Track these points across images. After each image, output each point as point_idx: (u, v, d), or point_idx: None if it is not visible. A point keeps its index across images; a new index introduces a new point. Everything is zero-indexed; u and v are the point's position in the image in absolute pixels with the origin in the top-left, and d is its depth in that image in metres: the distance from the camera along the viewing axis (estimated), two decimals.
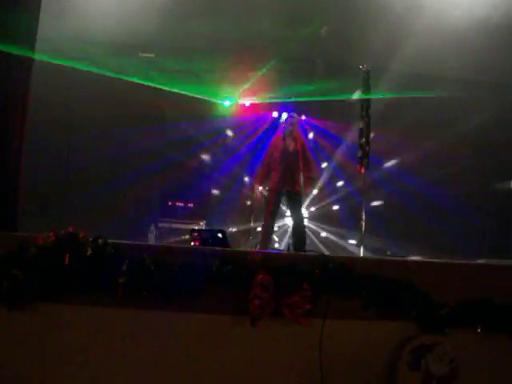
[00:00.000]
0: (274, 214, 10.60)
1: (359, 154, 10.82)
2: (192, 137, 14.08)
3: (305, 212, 13.16)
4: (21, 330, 5.46)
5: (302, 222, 10.82)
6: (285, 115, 11.00)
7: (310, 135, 14.86)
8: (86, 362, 5.50)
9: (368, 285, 5.78)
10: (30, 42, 7.59)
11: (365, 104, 11.00)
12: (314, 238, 14.06)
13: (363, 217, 10.49)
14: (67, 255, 5.40)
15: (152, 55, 13.47)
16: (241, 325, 5.61)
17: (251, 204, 14.09)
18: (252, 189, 12.99)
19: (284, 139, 10.53)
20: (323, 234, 14.36)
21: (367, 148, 10.71)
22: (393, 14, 11.68)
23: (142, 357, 5.56)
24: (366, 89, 11.13)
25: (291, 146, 10.49)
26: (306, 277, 5.68)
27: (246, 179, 14.50)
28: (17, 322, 5.44)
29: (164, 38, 12.89)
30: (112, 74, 12.51)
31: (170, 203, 13.87)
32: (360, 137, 10.87)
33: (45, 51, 8.71)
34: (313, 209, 14.40)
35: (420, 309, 5.81)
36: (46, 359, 5.47)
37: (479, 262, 7.91)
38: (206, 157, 14.59)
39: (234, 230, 13.42)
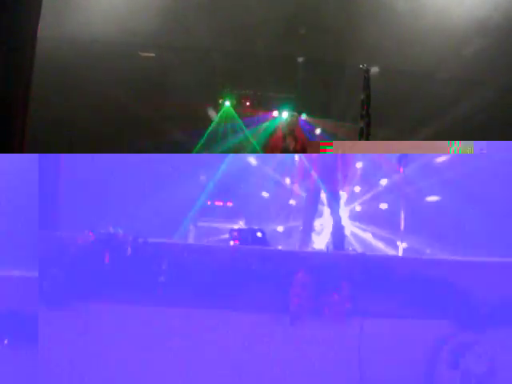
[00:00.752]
0: (313, 213, 10.58)
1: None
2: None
3: (346, 211, 13.13)
4: (62, 329, 5.53)
5: (341, 220, 10.79)
6: (285, 114, 10.96)
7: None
8: (125, 359, 5.56)
9: (407, 284, 5.77)
10: (31, 41, 7.65)
11: (365, 103, 10.99)
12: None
13: (402, 215, 10.44)
14: (107, 254, 5.46)
15: (152, 54, 13.50)
16: (280, 323, 5.63)
17: (291, 202, 14.08)
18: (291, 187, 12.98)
19: (284, 138, 10.51)
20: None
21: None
22: (394, 13, 11.66)
23: (183, 354, 5.60)
24: (366, 88, 11.10)
25: (291, 145, 10.47)
26: (345, 276, 5.69)
27: (285, 178, 14.47)
28: (56, 321, 5.51)
29: (165, 37, 12.89)
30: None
31: (209, 202, 13.89)
32: (360, 136, 10.88)
33: (45, 50, 8.77)
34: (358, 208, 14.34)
35: (459, 307, 5.79)
36: (84, 357, 5.54)
37: None
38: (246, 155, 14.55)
39: (274, 228, 13.41)
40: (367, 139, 10.75)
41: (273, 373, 5.70)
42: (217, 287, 5.56)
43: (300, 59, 13.34)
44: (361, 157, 13.82)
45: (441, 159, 12.70)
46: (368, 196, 14.46)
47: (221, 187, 13.84)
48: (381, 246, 13.64)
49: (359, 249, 13.15)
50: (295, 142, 10.56)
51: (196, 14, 12.14)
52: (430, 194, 13.51)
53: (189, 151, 13.80)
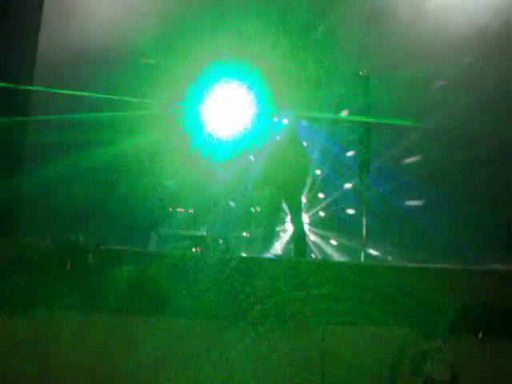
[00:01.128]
0: (275, 219, 10.61)
1: (360, 159, 10.84)
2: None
3: (306, 217, 13.12)
4: (22, 336, 5.47)
5: (302, 227, 10.82)
6: (285, 120, 10.97)
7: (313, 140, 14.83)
8: (88, 367, 5.51)
9: (369, 291, 5.79)
10: (31, 50, 7.62)
11: (365, 110, 11.01)
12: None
13: (364, 222, 10.51)
14: (69, 261, 5.42)
15: (153, 61, 13.45)
16: (242, 330, 5.62)
17: (252, 209, 14.07)
18: (253, 193, 12.97)
19: (284, 144, 10.54)
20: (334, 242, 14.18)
21: (367, 154, 10.72)
22: (394, 19, 11.74)
23: (144, 362, 5.57)
24: (366, 94, 11.13)
25: (292, 150, 10.50)
26: (307, 283, 5.70)
27: (248, 184, 14.45)
28: (18, 327, 5.45)
29: (166, 44, 12.88)
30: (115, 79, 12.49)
31: (171, 209, 13.84)
32: (360, 143, 10.88)
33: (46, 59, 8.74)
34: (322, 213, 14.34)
35: (421, 315, 5.82)
36: (47, 365, 5.48)
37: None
38: (207, 161, 14.49)
39: (235, 235, 13.38)
40: (368, 146, 10.77)
41: (235, 379, 5.69)
42: (178, 294, 5.54)
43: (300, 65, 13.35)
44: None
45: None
46: (330, 201, 14.51)
47: (183, 193, 13.81)
48: (342, 253, 13.68)
49: (320, 255, 13.20)
50: (295, 148, 10.59)
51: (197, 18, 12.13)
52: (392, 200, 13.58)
53: None
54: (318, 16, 12.38)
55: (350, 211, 13.60)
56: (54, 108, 11.95)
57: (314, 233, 14.00)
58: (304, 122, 14.15)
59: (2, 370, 5.43)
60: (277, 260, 7.06)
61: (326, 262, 6.17)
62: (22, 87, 7.63)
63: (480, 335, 5.90)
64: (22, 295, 5.35)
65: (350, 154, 13.78)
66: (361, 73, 11.24)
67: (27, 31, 7.70)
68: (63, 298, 5.44)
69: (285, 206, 11.01)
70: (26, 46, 7.55)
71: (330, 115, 13.85)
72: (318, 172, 13.02)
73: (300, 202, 10.72)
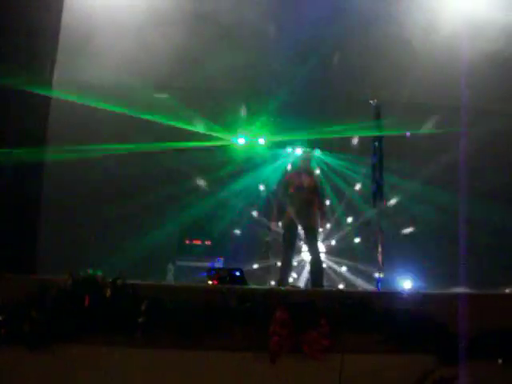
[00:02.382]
0: (291, 250, 10.62)
1: (373, 188, 10.82)
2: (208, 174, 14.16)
3: (322, 247, 13.12)
4: (41, 372, 5.50)
5: (319, 257, 10.83)
6: (299, 151, 11.05)
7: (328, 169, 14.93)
8: None
9: (386, 319, 5.78)
10: (47, 83, 7.70)
11: (377, 139, 11.01)
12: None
13: (380, 250, 10.49)
14: (87, 297, 5.46)
15: (165, 95, 13.56)
16: (260, 361, 5.62)
17: (268, 241, 14.09)
18: (269, 225, 13.01)
19: (299, 175, 10.60)
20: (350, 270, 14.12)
21: (381, 183, 10.71)
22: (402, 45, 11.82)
23: None
24: (377, 124, 11.15)
25: (306, 181, 10.56)
26: (324, 313, 5.70)
27: (263, 216, 14.48)
28: (37, 363, 5.48)
29: (178, 79, 13.00)
30: (125, 111, 12.59)
31: (187, 241, 13.89)
32: (373, 171, 10.87)
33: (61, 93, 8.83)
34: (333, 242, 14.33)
35: (439, 341, 5.80)
36: None
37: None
38: (221, 193, 14.52)
39: (253, 267, 13.40)
40: (380, 171, 10.76)
41: None
42: (196, 327, 5.56)
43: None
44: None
45: None
46: (346, 231, 14.50)
47: (198, 226, 13.86)
48: (360, 282, 13.65)
49: (338, 285, 13.19)
50: (309, 178, 10.65)
51: (207, 54, 12.25)
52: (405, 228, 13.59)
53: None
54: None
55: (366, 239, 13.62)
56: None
57: (332, 261, 14.01)
58: (317, 152, 14.24)
59: None
60: (294, 290, 7.06)
61: (341, 291, 6.16)
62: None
63: (500, 361, 5.87)
64: (41, 331, 5.39)
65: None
66: (371, 102, 11.26)
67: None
68: (82, 333, 5.48)
69: (301, 236, 11.06)
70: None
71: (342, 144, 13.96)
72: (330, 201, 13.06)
73: (316, 230, 10.75)
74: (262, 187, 14.49)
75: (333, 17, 11.87)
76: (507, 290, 8.05)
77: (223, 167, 14.33)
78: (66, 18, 8.56)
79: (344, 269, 14.17)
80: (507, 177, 13.09)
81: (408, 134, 12.59)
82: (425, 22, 11.82)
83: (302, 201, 10.42)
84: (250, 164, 14.73)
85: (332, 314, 5.71)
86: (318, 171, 14.37)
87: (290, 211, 10.47)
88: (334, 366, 5.67)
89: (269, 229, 13.02)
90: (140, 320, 5.47)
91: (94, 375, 5.55)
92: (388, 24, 11.64)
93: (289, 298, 5.79)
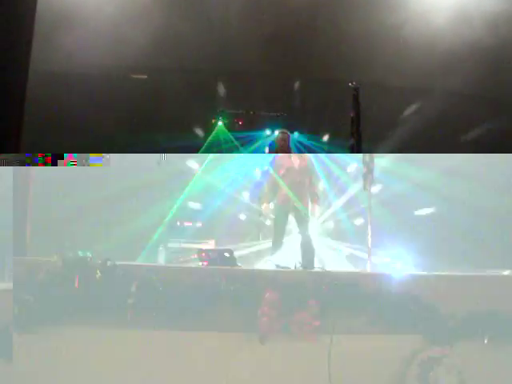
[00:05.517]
0: (282, 231, 10.63)
1: (364, 170, 10.84)
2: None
3: (317, 227, 13.13)
4: (32, 353, 5.52)
5: (310, 238, 10.83)
6: (278, 133, 11.01)
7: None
8: (97, 382, 5.56)
9: (374, 300, 5.82)
10: (24, 59, 7.66)
11: (355, 121, 11.03)
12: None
13: (369, 232, 10.51)
14: (77, 278, 5.47)
15: (144, 76, 13.49)
16: (250, 342, 5.66)
17: (260, 222, 14.10)
18: (260, 208, 13.02)
19: (289, 156, 10.61)
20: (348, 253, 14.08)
21: (371, 165, 10.72)
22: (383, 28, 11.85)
23: (152, 376, 5.61)
24: (356, 106, 11.14)
25: (297, 162, 10.55)
26: (314, 294, 5.73)
27: (254, 197, 14.48)
28: (28, 344, 5.51)
29: (158, 59, 12.94)
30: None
31: (178, 223, 13.87)
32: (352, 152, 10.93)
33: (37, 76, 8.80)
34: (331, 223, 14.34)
35: (427, 322, 5.85)
36: (56, 380, 5.53)
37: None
38: (211, 173, 14.48)
39: (243, 248, 13.40)
40: (371, 158, 10.76)
41: None
42: (186, 308, 5.58)
43: (290, 78, 13.38)
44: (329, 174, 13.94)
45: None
46: (337, 211, 14.51)
47: (190, 207, 13.84)
48: (350, 262, 13.67)
49: (329, 266, 13.21)
50: (300, 159, 10.64)
51: (187, 35, 12.20)
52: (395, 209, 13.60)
53: None
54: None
55: (356, 220, 13.64)
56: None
57: (322, 242, 14.02)
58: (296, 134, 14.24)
59: None
60: (283, 272, 7.07)
61: (331, 272, 6.18)
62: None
63: (486, 341, 5.93)
64: (32, 312, 5.41)
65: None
66: (350, 84, 11.25)
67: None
68: (72, 314, 5.49)
69: (292, 217, 11.06)
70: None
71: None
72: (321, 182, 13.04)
73: (307, 212, 10.75)
74: (252, 168, 14.46)
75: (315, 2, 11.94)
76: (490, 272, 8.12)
77: (209, 149, 14.30)
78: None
79: (333, 250, 14.19)
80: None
81: None
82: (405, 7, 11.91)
83: (293, 182, 10.41)
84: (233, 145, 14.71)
85: (321, 296, 5.75)
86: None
87: (281, 192, 10.46)
88: (323, 346, 5.72)
89: (260, 214, 13.03)
90: (130, 301, 5.49)
91: (84, 356, 5.58)
92: (370, 9, 11.70)
93: (278, 279, 5.81)
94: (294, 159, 10.49)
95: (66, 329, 5.54)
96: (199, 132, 14.47)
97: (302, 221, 10.60)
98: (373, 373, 5.82)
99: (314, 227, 13.62)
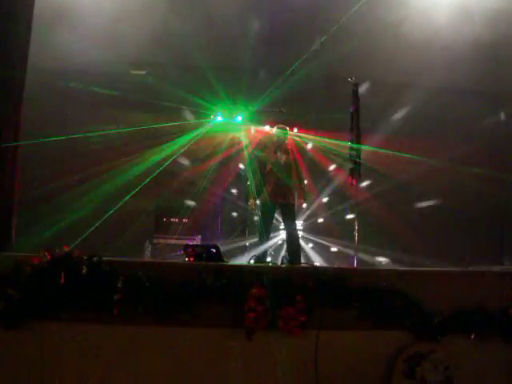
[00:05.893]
0: (268, 227, 10.63)
1: (350, 166, 10.87)
2: (187, 150, 14.07)
3: (299, 224, 13.15)
4: (18, 349, 5.49)
5: (296, 233, 10.85)
6: (275, 128, 11.01)
7: (308, 146, 14.95)
8: (83, 378, 5.54)
9: (361, 295, 5.83)
10: (22, 57, 7.64)
11: (355, 117, 11.04)
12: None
13: (356, 227, 10.54)
14: (63, 274, 5.45)
15: (143, 72, 13.47)
16: (236, 338, 5.65)
17: (246, 217, 14.12)
18: (246, 202, 13.04)
19: (275, 152, 10.60)
20: (333, 249, 14.08)
21: (358, 160, 10.75)
22: (383, 26, 11.85)
23: (139, 372, 5.60)
24: (355, 101, 11.16)
25: (283, 158, 10.56)
26: (300, 289, 5.73)
27: (240, 192, 14.50)
28: (14, 341, 5.48)
29: (156, 55, 12.93)
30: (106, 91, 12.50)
31: (164, 219, 13.88)
32: (350, 148, 10.92)
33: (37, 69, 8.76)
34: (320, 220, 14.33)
35: (413, 317, 5.86)
36: (43, 377, 5.50)
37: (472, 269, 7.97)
38: (200, 170, 14.47)
39: (229, 243, 13.40)
40: (358, 153, 10.79)
41: None
42: (172, 304, 5.57)
43: (289, 73, 13.37)
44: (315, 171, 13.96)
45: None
46: (324, 206, 14.55)
47: (176, 204, 13.85)
48: (337, 258, 13.71)
49: (315, 261, 13.24)
50: (286, 155, 10.65)
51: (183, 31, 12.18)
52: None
53: None
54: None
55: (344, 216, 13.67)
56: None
57: (308, 239, 14.05)
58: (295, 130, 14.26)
59: None
60: (270, 267, 7.09)
61: (317, 268, 6.20)
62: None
63: (472, 336, 5.95)
64: (17, 309, 5.38)
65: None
66: (349, 79, 11.28)
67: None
68: (58, 310, 5.47)
69: (278, 214, 11.07)
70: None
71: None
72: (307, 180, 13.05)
73: (293, 208, 10.76)
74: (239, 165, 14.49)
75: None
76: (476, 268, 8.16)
77: (202, 145, 14.31)
78: None
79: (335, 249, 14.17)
80: None
81: None
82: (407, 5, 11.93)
83: (280, 178, 10.42)
84: (227, 141, 14.72)
85: (308, 291, 5.75)
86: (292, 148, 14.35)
87: (267, 189, 10.46)
88: (310, 342, 5.72)
89: (246, 210, 13.09)
90: (116, 297, 5.47)
91: (71, 353, 5.55)
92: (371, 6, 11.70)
93: (265, 274, 5.80)
94: (281, 154, 10.50)
95: (52, 324, 5.51)
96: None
97: (289, 216, 10.62)
98: (359, 368, 5.82)
99: (301, 222, 13.69)
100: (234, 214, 14.57)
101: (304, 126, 14.76)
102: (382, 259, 12.68)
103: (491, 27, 11.60)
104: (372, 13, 11.78)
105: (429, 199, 13.49)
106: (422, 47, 12.06)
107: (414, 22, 11.90)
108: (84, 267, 5.53)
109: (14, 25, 7.57)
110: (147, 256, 12.42)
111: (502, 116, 13.37)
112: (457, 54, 11.88)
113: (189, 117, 14.26)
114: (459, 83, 12.71)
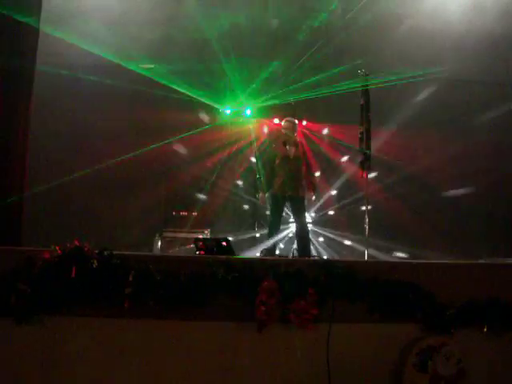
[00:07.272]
0: (278, 220, 10.61)
1: (360, 158, 10.83)
2: (196, 145, 14.03)
3: (308, 217, 13.09)
4: (29, 343, 5.50)
5: (306, 227, 10.83)
6: (284, 121, 10.97)
7: (324, 133, 14.88)
8: (94, 372, 5.54)
9: (373, 288, 5.80)
10: (31, 53, 7.63)
11: (365, 108, 10.99)
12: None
13: (366, 221, 10.50)
14: (74, 268, 5.44)
15: (152, 66, 13.43)
16: (248, 331, 5.64)
17: (256, 211, 14.10)
18: (255, 196, 13.03)
19: (284, 145, 10.55)
20: (347, 243, 13.97)
21: (368, 152, 10.71)
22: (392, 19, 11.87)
23: (149, 366, 5.59)
24: (365, 93, 11.10)
25: (292, 151, 10.53)
26: (312, 282, 5.72)
27: (250, 186, 14.46)
28: (25, 334, 5.48)
29: (164, 48, 12.91)
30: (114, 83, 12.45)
31: (174, 212, 13.85)
32: (361, 141, 10.86)
33: (46, 63, 8.77)
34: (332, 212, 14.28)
35: (426, 310, 5.83)
36: (53, 371, 5.51)
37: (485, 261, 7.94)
38: (208, 164, 14.42)
39: (239, 237, 13.36)
40: (368, 145, 10.75)
41: (241, 381, 5.70)
42: (183, 298, 5.55)
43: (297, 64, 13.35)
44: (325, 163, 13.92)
45: None
46: (334, 201, 14.48)
47: (185, 197, 13.83)
48: (347, 251, 13.65)
49: (326, 254, 13.20)
50: (296, 147, 10.62)
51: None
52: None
53: None
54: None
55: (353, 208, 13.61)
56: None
57: (318, 231, 14.00)
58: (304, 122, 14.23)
59: (7, 378, 5.46)
60: (281, 260, 7.06)
61: (328, 261, 6.18)
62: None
63: (485, 329, 5.92)
64: (28, 303, 5.38)
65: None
66: (359, 72, 11.24)
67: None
68: (69, 304, 5.47)
69: (288, 206, 11.05)
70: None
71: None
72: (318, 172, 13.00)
73: (303, 201, 10.73)
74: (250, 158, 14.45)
75: None
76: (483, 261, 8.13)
77: (212, 138, 14.26)
78: None
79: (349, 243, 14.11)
80: None
81: None
82: None
83: (289, 171, 10.39)
84: (236, 134, 14.67)
85: (319, 284, 5.73)
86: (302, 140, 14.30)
87: (277, 182, 10.45)
88: (322, 335, 5.70)
89: (255, 203, 13.13)
90: (127, 291, 5.46)
91: (82, 347, 5.55)
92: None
93: (276, 267, 5.79)
94: (290, 147, 10.46)
95: (63, 319, 5.51)
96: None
97: (299, 209, 10.60)
98: (371, 361, 5.80)
99: (311, 215, 13.64)
100: (245, 206, 14.52)
101: (313, 119, 14.69)
102: (400, 255, 12.60)
103: (504, 18, 11.57)
104: (384, 5, 11.75)
105: (443, 191, 13.37)
106: (435, 39, 12.02)
107: (426, 14, 11.89)
108: (95, 261, 5.53)
109: (22, 22, 7.57)
110: (157, 249, 12.39)
111: None
112: (469, 46, 11.86)
113: (197, 111, 14.20)
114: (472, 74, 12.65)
